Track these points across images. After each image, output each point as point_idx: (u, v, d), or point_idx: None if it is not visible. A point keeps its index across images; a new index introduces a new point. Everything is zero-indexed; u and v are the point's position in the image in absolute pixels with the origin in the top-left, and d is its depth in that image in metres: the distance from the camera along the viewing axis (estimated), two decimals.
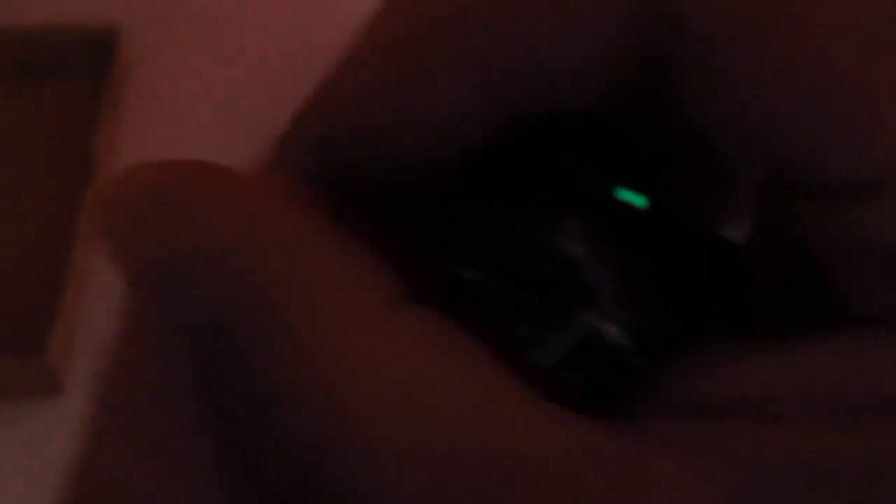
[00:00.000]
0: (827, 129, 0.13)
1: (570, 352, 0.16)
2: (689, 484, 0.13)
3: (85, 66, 0.77)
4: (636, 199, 0.16)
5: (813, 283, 0.15)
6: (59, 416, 0.63)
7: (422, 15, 0.16)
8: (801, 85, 0.13)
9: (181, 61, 0.80)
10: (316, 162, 0.16)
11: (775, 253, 0.17)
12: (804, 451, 0.13)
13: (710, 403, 0.14)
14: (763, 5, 0.14)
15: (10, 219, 0.72)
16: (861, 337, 0.14)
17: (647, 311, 0.16)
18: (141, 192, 0.15)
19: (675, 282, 0.16)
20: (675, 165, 0.18)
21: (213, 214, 0.14)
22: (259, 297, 0.14)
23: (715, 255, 0.17)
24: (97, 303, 0.67)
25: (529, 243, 0.16)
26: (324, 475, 0.14)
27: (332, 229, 0.15)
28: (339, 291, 0.14)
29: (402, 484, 0.13)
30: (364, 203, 0.17)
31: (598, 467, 0.13)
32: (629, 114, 0.17)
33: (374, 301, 0.14)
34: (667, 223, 0.17)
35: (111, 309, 0.67)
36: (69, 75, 0.78)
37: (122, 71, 0.77)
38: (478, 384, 0.14)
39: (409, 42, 0.15)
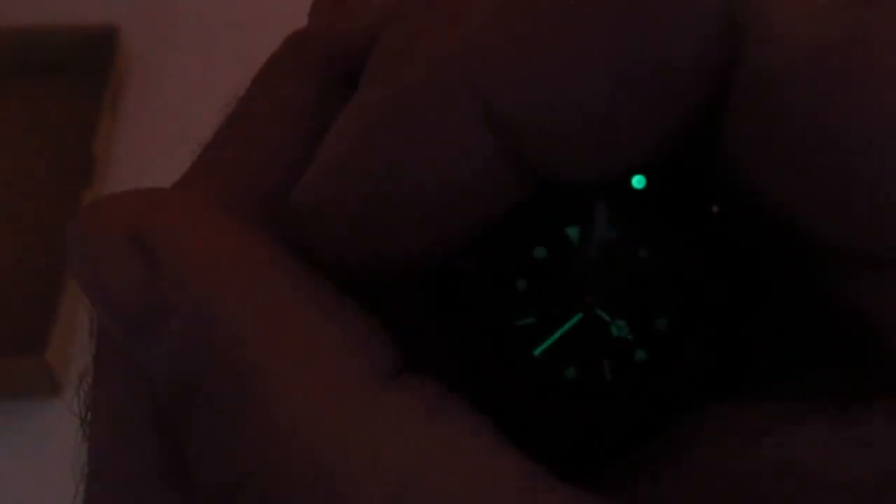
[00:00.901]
0: None
1: (567, 342, 0.16)
2: None
3: (85, 66, 0.77)
4: (635, 181, 0.16)
5: (856, 345, 0.14)
6: (59, 416, 0.62)
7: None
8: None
9: (181, 61, 0.80)
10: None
11: (807, 311, 0.15)
12: None
13: (752, 474, 0.13)
14: (837, 62, 0.12)
15: (10, 219, 0.71)
16: None
17: (647, 300, 0.16)
18: (114, 233, 0.14)
19: (676, 270, 0.16)
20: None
21: (189, 267, 0.13)
22: (235, 362, 0.13)
23: (721, 241, 0.16)
24: None
25: (526, 231, 0.16)
26: None
27: (323, 286, 0.14)
28: (327, 362, 0.13)
29: None
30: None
31: None
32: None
33: (365, 375, 0.13)
34: (667, 203, 0.16)
35: None
36: (69, 75, 0.77)
37: (122, 71, 0.77)
38: (477, 470, 0.13)
39: (407, 102, 0.14)
